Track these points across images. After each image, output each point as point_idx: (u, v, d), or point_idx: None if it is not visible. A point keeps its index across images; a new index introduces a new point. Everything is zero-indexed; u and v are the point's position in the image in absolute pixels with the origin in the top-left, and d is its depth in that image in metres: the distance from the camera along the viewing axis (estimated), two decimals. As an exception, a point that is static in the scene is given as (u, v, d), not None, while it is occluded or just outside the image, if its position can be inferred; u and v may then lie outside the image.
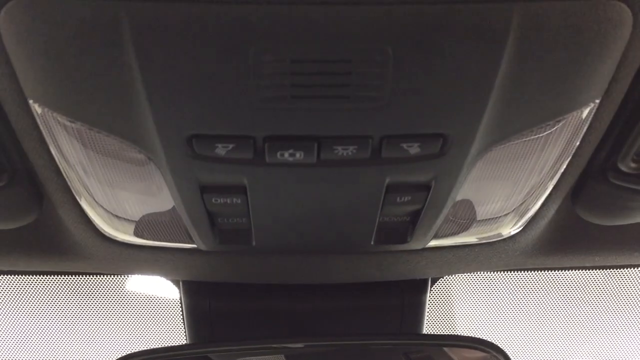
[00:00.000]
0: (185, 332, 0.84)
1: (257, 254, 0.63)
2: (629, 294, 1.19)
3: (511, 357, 0.75)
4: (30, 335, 1.21)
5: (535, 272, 1.10)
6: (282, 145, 0.40)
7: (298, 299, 0.81)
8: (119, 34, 0.33)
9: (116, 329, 1.21)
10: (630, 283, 1.17)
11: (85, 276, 1.07)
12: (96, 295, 1.14)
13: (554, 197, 0.55)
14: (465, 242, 0.62)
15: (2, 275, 1.06)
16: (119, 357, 0.74)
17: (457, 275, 1.11)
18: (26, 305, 1.14)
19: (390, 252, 0.62)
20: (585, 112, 0.43)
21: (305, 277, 0.74)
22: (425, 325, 0.85)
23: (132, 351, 0.75)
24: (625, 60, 0.39)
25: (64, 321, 1.19)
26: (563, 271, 1.11)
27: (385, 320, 0.83)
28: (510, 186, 0.51)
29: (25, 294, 1.12)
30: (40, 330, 1.20)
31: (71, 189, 0.51)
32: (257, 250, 0.59)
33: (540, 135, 0.44)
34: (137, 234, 0.58)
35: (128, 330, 1.21)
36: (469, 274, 1.12)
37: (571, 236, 0.64)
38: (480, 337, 0.76)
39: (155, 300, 1.17)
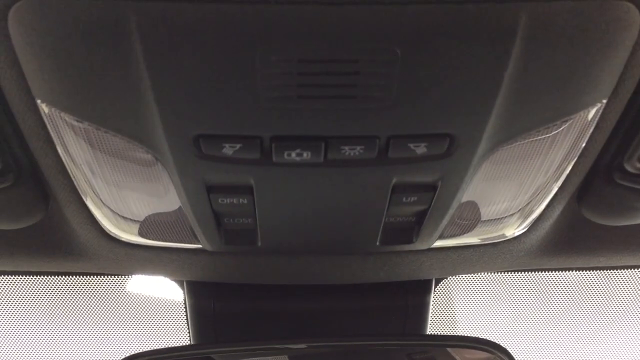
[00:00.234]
0: (189, 332, 0.84)
1: (262, 255, 0.63)
2: (634, 295, 1.19)
3: (516, 358, 0.75)
4: (35, 335, 1.21)
5: (540, 272, 1.10)
6: (289, 145, 0.40)
7: (302, 299, 0.81)
8: (126, 34, 0.33)
9: (120, 329, 1.22)
10: (635, 284, 1.17)
11: (90, 276, 1.07)
12: (100, 295, 1.14)
13: (560, 198, 0.55)
14: (470, 242, 0.62)
15: (6, 276, 1.06)
16: (123, 357, 0.74)
17: (461, 275, 1.11)
18: (30, 305, 1.14)
19: (395, 252, 0.62)
20: (592, 112, 0.43)
21: (310, 277, 0.74)
22: (429, 325, 0.85)
23: (137, 352, 0.75)
24: (632, 60, 0.39)
25: (68, 322, 1.19)
26: (568, 272, 1.11)
27: (389, 321, 0.83)
28: (516, 187, 0.51)
29: (30, 295, 1.12)
30: (44, 331, 1.20)
31: (77, 189, 0.51)
32: (263, 251, 0.59)
33: (547, 135, 0.44)
34: (142, 234, 0.58)
35: (132, 331, 1.21)
36: (473, 274, 1.11)
37: (576, 237, 0.64)
38: (484, 338, 0.76)
39: (159, 301, 1.17)
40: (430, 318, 0.85)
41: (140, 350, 0.75)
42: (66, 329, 1.20)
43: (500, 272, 1.09)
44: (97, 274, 1.05)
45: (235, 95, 0.36)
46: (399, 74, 0.35)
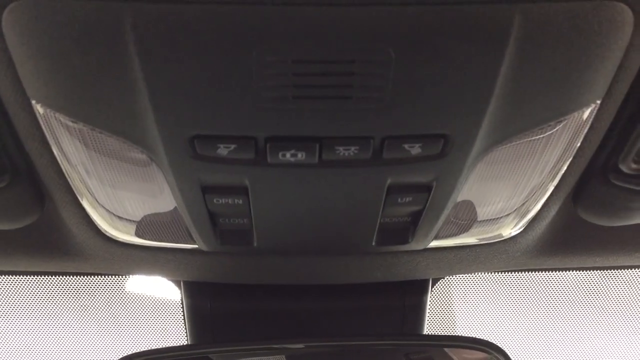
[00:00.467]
0: (186, 332, 0.84)
1: (258, 255, 0.63)
2: (629, 294, 1.19)
3: (512, 357, 0.75)
4: (31, 335, 1.21)
5: (536, 272, 1.10)
6: (284, 146, 0.40)
7: (299, 299, 0.81)
8: (121, 35, 0.33)
9: (117, 329, 1.22)
10: (631, 284, 1.17)
11: (86, 277, 1.07)
12: (97, 296, 1.14)
13: (555, 198, 0.55)
14: (466, 242, 0.62)
15: (3, 276, 1.06)
16: (120, 357, 0.74)
17: (458, 275, 1.11)
18: (27, 305, 1.14)
19: (391, 252, 0.62)
20: (587, 112, 0.43)
21: (306, 277, 0.74)
22: (426, 325, 0.85)
23: (134, 352, 0.75)
24: (626, 61, 0.39)
25: (65, 322, 1.19)
26: (564, 272, 1.11)
27: (386, 321, 0.83)
28: (512, 187, 0.51)
29: (26, 295, 1.12)
30: (40, 331, 1.20)
31: (73, 190, 0.51)
32: (259, 251, 0.59)
33: (542, 136, 0.44)
34: (138, 234, 0.58)
35: (129, 331, 1.21)
36: (469, 274, 1.12)
37: (572, 237, 0.64)
38: (481, 338, 0.76)
39: (156, 300, 1.17)
40: (427, 318, 0.85)
41: (138, 350, 0.75)
42: (63, 329, 1.20)
43: (497, 272, 1.09)
44: (93, 274, 1.05)
45: (230, 96, 0.37)
46: (393, 75, 0.35)
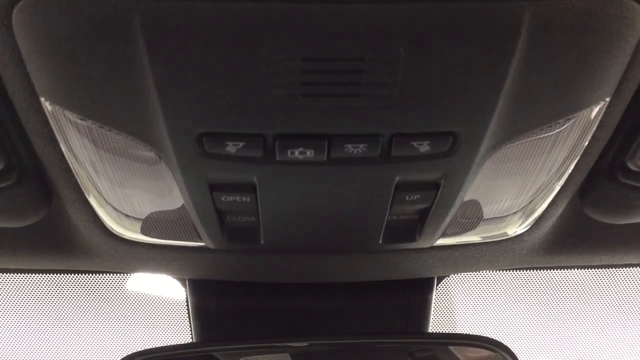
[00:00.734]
0: (191, 330, 0.84)
1: (265, 253, 0.63)
2: (636, 293, 1.19)
3: (517, 355, 0.75)
4: (36, 333, 1.21)
5: (542, 271, 1.10)
6: (293, 144, 0.40)
7: (304, 297, 0.81)
8: (130, 32, 0.33)
9: (122, 327, 1.22)
10: (638, 282, 1.17)
11: (93, 274, 1.07)
12: (103, 293, 1.14)
13: (562, 196, 0.55)
14: (472, 241, 0.62)
15: (9, 274, 1.06)
16: (125, 355, 0.74)
17: (463, 273, 1.11)
18: (33, 303, 1.14)
19: (397, 250, 0.62)
20: (595, 110, 0.43)
21: (313, 276, 0.74)
22: (431, 323, 0.85)
23: (139, 349, 0.75)
24: (636, 58, 0.39)
25: (70, 320, 1.19)
26: (570, 270, 1.11)
27: (391, 319, 0.83)
28: (519, 185, 0.51)
29: (33, 293, 1.12)
30: (46, 329, 1.20)
31: (81, 187, 0.51)
32: (265, 249, 0.59)
33: (550, 133, 0.44)
34: (144, 232, 0.58)
35: (134, 329, 1.22)
36: (475, 272, 1.11)
37: (579, 235, 0.64)
38: (487, 336, 0.76)
39: (162, 298, 1.17)
40: (432, 316, 0.85)
41: (143, 348, 0.75)
42: (68, 327, 1.20)
43: (502, 270, 1.09)
44: (100, 272, 1.05)
45: (239, 94, 0.37)
46: (402, 73, 0.35)
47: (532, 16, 0.33)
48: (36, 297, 1.13)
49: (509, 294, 1.18)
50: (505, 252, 0.66)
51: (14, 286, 1.11)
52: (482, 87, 0.37)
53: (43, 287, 1.11)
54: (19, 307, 1.15)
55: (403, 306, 0.82)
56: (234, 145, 0.40)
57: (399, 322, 0.83)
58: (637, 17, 0.35)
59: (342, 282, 0.78)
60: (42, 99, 0.41)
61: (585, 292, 1.18)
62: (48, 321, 1.19)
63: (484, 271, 1.11)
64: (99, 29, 0.34)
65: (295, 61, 0.35)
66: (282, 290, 0.81)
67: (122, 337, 1.23)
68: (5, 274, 1.07)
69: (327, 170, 0.44)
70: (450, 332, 1.21)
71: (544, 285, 1.17)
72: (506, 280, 1.15)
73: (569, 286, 1.17)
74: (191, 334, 0.84)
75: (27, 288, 1.11)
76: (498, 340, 0.75)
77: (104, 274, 1.07)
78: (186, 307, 0.86)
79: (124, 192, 0.50)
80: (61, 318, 1.18)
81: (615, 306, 1.21)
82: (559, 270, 1.09)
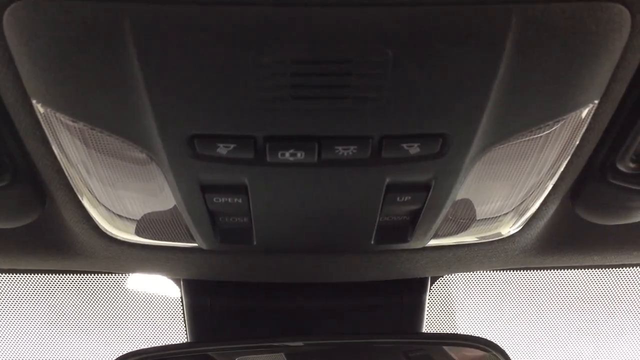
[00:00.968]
0: (186, 330, 0.84)
1: (257, 253, 0.63)
2: (628, 293, 1.19)
3: (510, 355, 0.75)
4: (31, 334, 1.21)
5: (535, 271, 1.11)
6: (283, 145, 0.40)
7: (298, 298, 0.82)
8: (121, 35, 0.33)
9: (117, 327, 1.22)
10: (629, 282, 1.17)
11: (87, 275, 1.07)
12: (97, 294, 1.14)
13: (553, 197, 0.55)
14: (465, 241, 0.62)
15: (3, 274, 1.06)
16: (120, 355, 0.74)
17: (456, 274, 1.11)
18: (27, 304, 1.14)
19: (390, 251, 0.63)
20: (584, 112, 0.43)
21: (306, 276, 0.74)
22: (425, 324, 0.85)
23: (133, 349, 0.75)
24: (623, 61, 0.39)
25: (65, 320, 1.19)
26: (562, 270, 1.12)
27: (385, 319, 0.83)
28: (510, 186, 0.51)
29: (27, 293, 1.12)
30: (40, 330, 1.20)
31: (73, 189, 0.51)
32: (258, 250, 0.59)
33: (540, 135, 0.44)
34: (138, 233, 0.58)
35: (129, 329, 1.22)
36: (468, 273, 1.12)
37: (570, 236, 0.64)
38: (480, 336, 0.76)
39: (156, 298, 1.17)
40: (426, 316, 0.85)
41: (137, 348, 0.75)
42: (63, 328, 1.20)
43: (495, 270, 1.09)
44: (93, 273, 1.05)
45: (229, 96, 0.37)
46: (391, 75, 0.35)
47: (519, 19, 0.34)
48: (30, 297, 1.13)
49: (501, 294, 1.18)
50: (498, 252, 0.66)
51: (8, 286, 1.11)
52: (471, 90, 0.37)
53: (37, 288, 1.11)
54: (13, 307, 1.15)
55: (397, 306, 0.83)
56: (224, 147, 0.40)
57: (393, 322, 0.83)
58: (624, 20, 0.36)
59: (336, 282, 0.78)
60: (34, 101, 0.41)
61: (577, 292, 1.18)
62: (42, 322, 1.19)
63: (478, 272, 1.11)
64: (89, 31, 0.34)
65: (285, 64, 0.35)
66: (277, 290, 0.81)
67: (116, 337, 1.23)
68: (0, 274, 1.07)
69: (317, 172, 0.44)
70: (444, 332, 1.21)
71: (536, 285, 1.17)
72: (499, 280, 1.15)
73: (561, 286, 1.18)
74: (186, 333, 0.84)
75: (21, 288, 1.11)
76: (491, 340, 0.75)
77: (99, 275, 1.08)
78: (181, 307, 0.86)
79: (116, 193, 0.50)
80: (55, 318, 1.18)
81: (607, 306, 1.21)
82: (551, 270, 1.10)
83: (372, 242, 0.56)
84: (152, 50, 0.34)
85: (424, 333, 0.87)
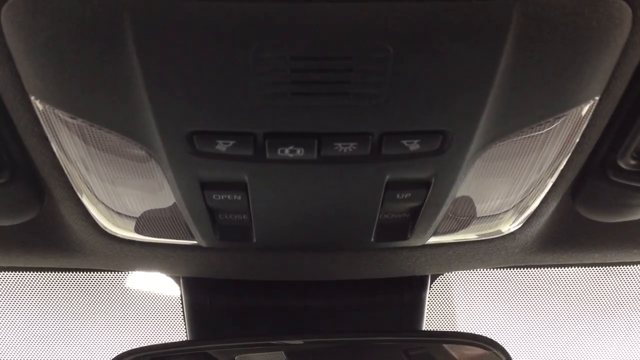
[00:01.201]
0: (185, 328, 0.84)
1: (257, 251, 0.63)
2: (628, 291, 1.19)
3: (510, 353, 0.75)
4: (30, 332, 1.21)
5: (535, 269, 1.11)
6: (283, 142, 0.40)
7: (298, 295, 0.81)
8: (119, 31, 0.33)
9: (117, 326, 1.22)
10: (629, 280, 1.17)
11: (86, 273, 1.07)
12: (97, 292, 1.14)
13: (554, 194, 0.55)
14: (465, 239, 0.62)
15: (3, 272, 1.06)
16: (119, 353, 0.74)
17: (456, 272, 1.11)
18: (25, 301, 1.14)
19: (390, 248, 0.63)
20: (585, 109, 0.43)
21: (306, 274, 0.74)
22: (425, 322, 0.85)
23: (133, 347, 0.75)
24: (624, 57, 0.39)
25: (64, 318, 1.19)
26: (563, 268, 1.12)
27: (385, 317, 0.83)
28: (510, 183, 0.51)
29: (25, 290, 1.12)
30: (39, 328, 1.20)
31: (72, 186, 0.51)
32: (258, 247, 0.59)
33: (540, 132, 0.44)
34: (137, 230, 0.58)
35: (129, 327, 1.22)
36: (468, 271, 1.12)
37: (570, 233, 0.64)
38: (480, 334, 0.76)
39: (156, 297, 1.17)
40: (426, 314, 0.85)
41: (138, 346, 0.75)
42: (62, 326, 1.20)
43: (496, 268, 1.09)
44: (93, 271, 1.05)
45: (228, 92, 0.37)
46: (391, 71, 0.35)
47: (520, 15, 0.33)
48: (29, 295, 1.13)
49: (501, 292, 1.18)
50: (498, 250, 0.66)
51: (8, 284, 1.11)
52: (472, 86, 0.37)
53: (36, 285, 1.11)
54: (13, 305, 1.15)
55: (397, 304, 0.83)
56: (224, 144, 0.40)
57: (393, 320, 0.83)
58: (625, 16, 0.36)
59: (336, 280, 0.78)
60: (32, 98, 0.41)
61: (578, 290, 1.18)
62: (41, 319, 1.19)
63: (477, 270, 1.11)
64: (87, 27, 0.34)
65: (285, 60, 0.35)
66: (277, 288, 0.81)
67: (116, 335, 1.23)
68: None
69: (317, 169, 0.44)
70: (444, 330, 1.21)
71: (536, 283, 1.17)
72: (499, 278, 1.15)
73: (561, 284, 1.18)
74: (186, 331, 0.84)
75: (21, 286, 1.11)
76: (490, 338, 0.75)
77: (98, 272, 1.08)
78: (181, 305, 0.86)
79: (115, 191, 0.50)
80: (54, 317, 1.18)
81: (608, 304, 1.21)
82: (551, 268, 1.10)
83: (372, 240, 0.56)
84: (152, 47, 0.34)
85: (425, 331, 0.87)
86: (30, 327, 1.20)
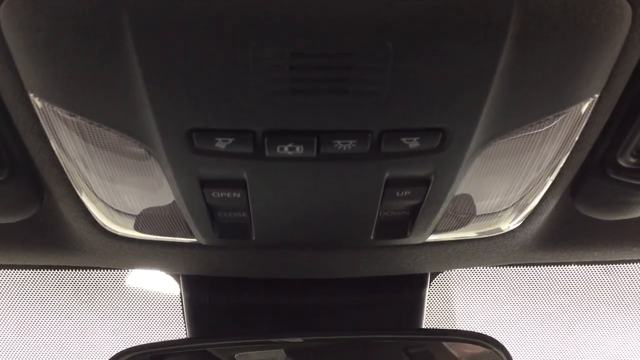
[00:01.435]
0: (185, 326, 0.84)
1: (257, 249, 0.63)
2: (627, 289, 1.19)
3: (510, 351, 0.75)
4: (28, 330, 1.21)
5: (535, 267, 1.11)
6: (282, 140, 0.40)
7: (298, 293, 0.81)
8: (118, 28, 0.33)
9: (117, 324, 1.22)
10: (629, 278, 1.17)
11: (85, 271, 1.07)
12: (96, 290, 1.14)
13: (553, 192, 0.55)
14: (465, 237, 0.62)
15: (2, 270, 1.06)
16: (119, 351, 0.74)
17: (456, 270, 1.11)
18: (24, 300, 1.14)
19: (390, 246, 0.63)
20: (585, 106, 0.43)
21: (305, 272, 0.74)
22: (424, 319, 0.85)
23: (133, 345, 0.75)
24: (624, 54, 0.39)
25: (63, 316, 1.19)
26: (562, 266, 1.12)
27: (384, 315, 0.83)
28: (510, 181, 0.51)
29: (24, 289, 1.12)
30: (38, 326, 1.20)
31: (71, 183, 0.51)
32: (257, 245, 0.59)
33: (540, 130, 0.44)
34: (137, 228, 0.58)
35: (128, 325, 1.22)
36: (468, 269, 1.12)
37: (570, 231, 0.64)
38: (480, 332, 0.76)
39: (156, 295, 1.17)
40: (425, 312, 0.85)
41: (136, 344, 0.75)
42: (61, 324, 1.20)
43: (495, 266, 1.09)
44: (92, 269, 1.05)
45: (228, 90, 0.36)
46: (391, 68, 0.35)
47: (520, 12, 0.33)
48: (29, 293, 1.13)
49: (501, 290, 1.18)
50: (497, 248, 0.66)
51: (7, 282, 1.11)
52: (472, 83, 0.37)
53: (36, 284, 1.11)
54: (13, 303, 1.15)
55: (396, 302, 0.83)
56: (223, 141, 0.40)
57: (393, 318, 0.83)
58: (625, 13, 0.36)
59: (336, 278, 0.78)
60: (31, 95, 0.41)
61: (577, 288, 1.18)
62: (40, 318, 1.19)
63: (477, 268, 1.11)
64: (86, 26, 0.34)
65: (284, 57, 0.35)
66: (276, 286, 0.81)
67: (116, 333, 1.23)
68: (-1, 270, 1.07)
69: (316, 167, 0.44)
70: (443, 328, 1.21)
71: (536, 281, 1.17)
72: (498, 276, 1.15)
73: (561, 282, 1.18)
74: (185, 329, 0.84)
75: (20, 284, 1.11)
76: (490, 336, 0.75)
77: (98, 270, 1.08)
78: (180, 303, 0.86)
79: (115, 188, 0.50)
80: (54, 315, 1.18)
81: (607, 302, 1.21)
82: (551, 266, 1.10)
83: (372, 238, 0.56)
84: (150, 44, 0.34)
85: (424, 329, 0.87)
86: (29, 326, 1.20)
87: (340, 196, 0.48)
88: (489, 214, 0.57)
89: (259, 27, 0.33)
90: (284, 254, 0.65)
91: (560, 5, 0.34)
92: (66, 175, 0.50)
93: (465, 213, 0.56)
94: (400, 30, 0.33)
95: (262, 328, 0.83)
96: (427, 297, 0.84)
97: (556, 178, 0.52)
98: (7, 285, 1.11)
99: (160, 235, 0.59)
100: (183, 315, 0.84)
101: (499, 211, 0.57)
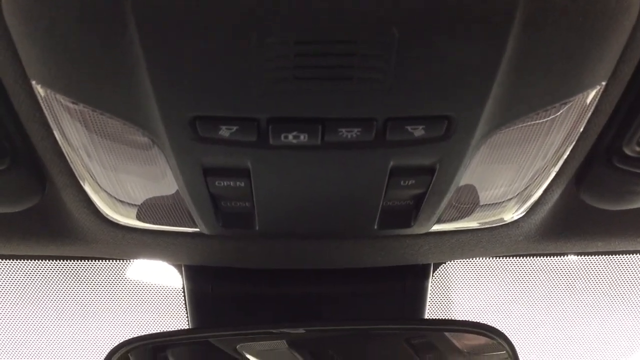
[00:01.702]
0: (187, 316, 0.84)
1: (260, 239, 0.63)
2: (632, 280, 1.19)
3: (513, 341, 0.75)
4: (30, 321, 1.21)
5: (538, 258, 1.11)
6: (286, 127, 0.40)
7: (300, 284, 0.82)
8: (121, 15, 0.33)
9: (119, 314, 1.22)
10: (633, 269, 1.17)
11: (88, 261, 1.07)
12: (98, 280, 1.15)
13: (558, 182, 0.55)
14: (468, 227, 0.62)
15: (4, 260, 1.06)
16: (121, 341, 0.74)
17: (459, 260, 1.11)
18: (26, 290, 1.14)
19: (393, 236, 0.62)
20: (591, 95, 0.43)
21: (308, 262, 0.74)
22: (427, 310, 0.85)
23: (135, 335, 0.75)
24: (632, 42, 0.39)
25: (65, 307, 1.19)
26: (566, 257, 1.11)
27: (387, 306, 0.83)
28: (514, 170, 0.51)
29: (26, 279, 1.12)
30: (40, 316, 1.20)
31: (74, 173, 0.51)
32: (260, 235, 0.59)
33: (545, 119, 0.44)
34: (140, 217, 0.58)
35: (131, 315, 1.22)
36: (471, 259, 1.12)
37: (574, 221, 0.64)
38: (483, 322, 0.76)
39: (158, 285, 1.17)
40: (428, 302, 0.85)
41: (140, 334, 0.75)
42: (63, 314, 1.20)
43: (499, 257, 1.09)
44: (95, 259, 1.05)
45: (231, 77, 0.36)
46: (396, 56, 0.35)
47: None
48: (30, 284, 1.13)
49: (504, 281, 1.18)
50: (501, 238, 0.65)
51: (9, 272, 1.11)
52: (477, 71, 0.37)
53: (37, 275, 1.11)
54: (14, 293, 1.15)
55: (399, 292, 0.83)
56: (227, 129, 0.40)
57: (395, 308, 0.83)
58: (633, 0, 0.35)
59: (339, 268, 0.78)
60: (34, 83, 0.40)
61: (581, 278, 1.18)
62: (42, 308, 1.19)
63: (481, 258, 1.11)
64: (90, 12, 0.33)
65: (288, 44, 0.34)
66: (279, 276, 0.81)
67: (118, 323, 1.23)
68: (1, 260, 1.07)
69: (321, 155, 0.44)
70: (446, 318, 1.21)
71: (539, 272, 1.17)
72: (501, 267, 1.15)
73: (564, 273, 1.18)
74: (187, 320, 0.84)
75: (22, 274, 1.11)
76: (494, 326, 0.75)
77: (100, 261, 1.08)
78: (182, 293, 0.86)
79: (117, 177, 0.50)
80: (56, 305, 1.18)
81: (611, 293, 1.21)
82: (554, 257, 1.10)
83: (375, 227, 0.56)
84: (154, 31, 0.34)
85: (427, 319, 0.87)
86: (29, 317, 1.20)
87: (345, 185, 0.48)
88: (493, 204, 0.57)
89: (263, 15, 0.33)
90: (287, 244, 0.65)
91: None
92: (69, 164, 0.50)
93: (469, 203, 0.56)
94: (406, 17, 0.33)
95: (264, 318, 0.83)
96: (429, 288, 0.85)
97: (561, 167, 0.52)
98: (9, 275, 1.11)
99: (163, 225, 0.59)
100: (185, 305, 0.84)
101: (503, 201, 0.56)
